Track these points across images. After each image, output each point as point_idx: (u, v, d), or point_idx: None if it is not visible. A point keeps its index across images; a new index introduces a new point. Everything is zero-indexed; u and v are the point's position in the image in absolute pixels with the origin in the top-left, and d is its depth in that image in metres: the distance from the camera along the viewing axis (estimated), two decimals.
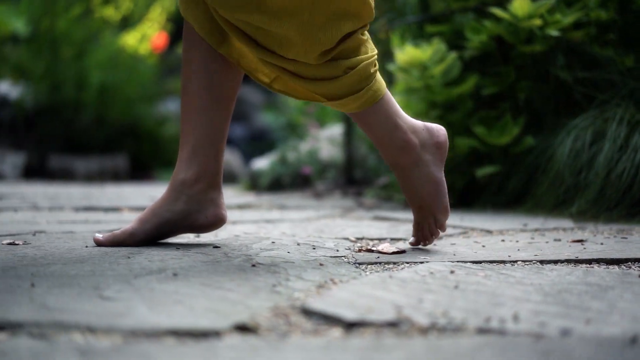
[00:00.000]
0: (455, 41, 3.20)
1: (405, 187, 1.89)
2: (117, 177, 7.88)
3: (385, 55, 3.94)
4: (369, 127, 1.84)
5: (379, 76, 1.82)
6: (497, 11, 2.95)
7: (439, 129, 1.90)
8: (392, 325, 1.12)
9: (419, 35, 3.38)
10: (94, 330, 1.08)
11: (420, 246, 1.93)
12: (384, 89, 1.82)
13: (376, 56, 1.81)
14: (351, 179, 4.27)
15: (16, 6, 8.27)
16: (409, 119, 1.87)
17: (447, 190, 1.90)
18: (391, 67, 3.21)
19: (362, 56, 1.76)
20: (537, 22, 2.91)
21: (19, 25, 8.15)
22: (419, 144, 1.85)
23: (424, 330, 1.10)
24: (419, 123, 1.88)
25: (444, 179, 1.89)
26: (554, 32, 2.91)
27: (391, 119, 1.83)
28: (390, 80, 3.72)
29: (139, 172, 8.30)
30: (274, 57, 1.75)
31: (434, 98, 3.11)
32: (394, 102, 1.86)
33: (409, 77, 3.13)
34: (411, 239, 1.95)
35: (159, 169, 8.34)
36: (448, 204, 1.90)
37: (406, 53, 3.05)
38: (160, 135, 8.48)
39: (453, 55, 3.04)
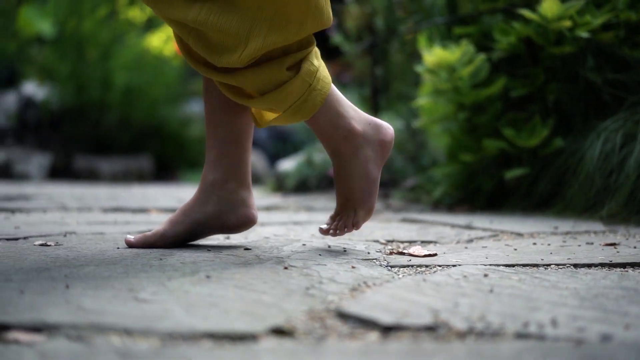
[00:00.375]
0: (483, 43, 3.18)
1: (339, 176, 1.86)
2: (141, 177, 7.92)
3: (413, 56, 3.93)
4: (314, 120, 1.83)
5: (321, 71, 1.80)
6: (526, 12, 2.93)
7: (387, 128, 1.88)
8: (430, 329, 1.11)
9: (447, 37, 3.36)
10: (131, 332, 1.08)
11: (329, 235, 1.90)
12: (330, 82, 1.81)
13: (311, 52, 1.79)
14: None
15: (42, 8, 8.32)
16: (355, 109, 1.86)
17: (377, 192, 1.87)
18: (419, 68, 3.20)
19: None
20: (567, 23, 2.89)
21: (44, 26, 8.20)
22: (362, 134, 1.84)
23: (462, 335, 1.09)
24: (366, 116, 1.87)
25: (379, 179, 1.87)
26: (583, 34, 2.89)
27: (335, 109, 1.81)
28: (417, 81, 3.71)
29: (163, 173, 8.33)
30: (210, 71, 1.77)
31: (462, 100, 3.10)
32: (337, 92, 1.84)
33: (437, 79, 3.12)
34: (323, 226, 1.91)
35: (183, 170, 8.36)
36: (374, 205, 1.87)
37: (434, 54, 3.04)
38: (184, 136, 8.51)
39: (482, 56, 3.03)
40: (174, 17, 1.69)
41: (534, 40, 3.02)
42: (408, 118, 4.10)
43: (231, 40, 1.68)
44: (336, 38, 4.44)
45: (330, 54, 4.54)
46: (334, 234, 1.88)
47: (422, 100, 3.31)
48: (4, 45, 8.72)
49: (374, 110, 4.25)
